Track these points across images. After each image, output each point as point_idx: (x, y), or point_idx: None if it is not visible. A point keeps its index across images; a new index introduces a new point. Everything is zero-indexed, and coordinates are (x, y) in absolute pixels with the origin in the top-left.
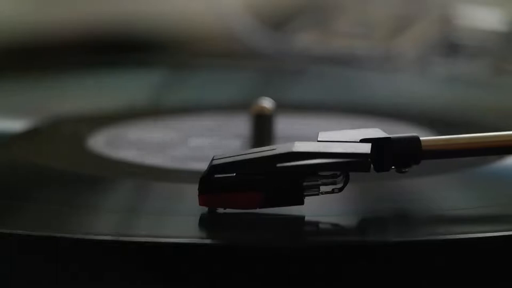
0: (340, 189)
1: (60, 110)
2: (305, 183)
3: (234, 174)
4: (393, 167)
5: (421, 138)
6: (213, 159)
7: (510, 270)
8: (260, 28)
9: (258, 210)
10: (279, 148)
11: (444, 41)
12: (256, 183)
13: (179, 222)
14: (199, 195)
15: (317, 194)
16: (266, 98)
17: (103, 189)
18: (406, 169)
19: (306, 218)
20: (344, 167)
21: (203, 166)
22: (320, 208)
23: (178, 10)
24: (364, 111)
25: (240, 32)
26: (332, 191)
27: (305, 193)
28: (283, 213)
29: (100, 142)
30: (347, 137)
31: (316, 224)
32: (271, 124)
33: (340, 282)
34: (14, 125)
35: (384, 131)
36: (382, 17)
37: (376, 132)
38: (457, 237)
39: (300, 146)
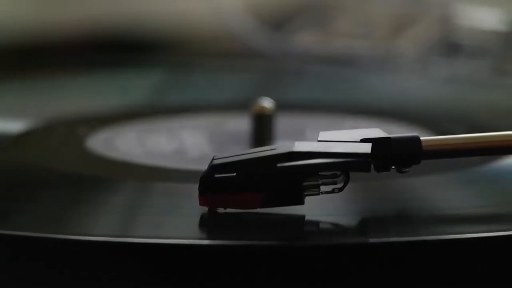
0: (341, 189)
1: (60, 111)
2: (305, 183)
3: (235, 174)
4: (393, 167)
5: (421, 138)
6: (213, 159)
7: (510, 270)
8: (260, 28)
9: (258, 210)
10: (279, 148)
11: (444, 41)
12: (256, 183)
13: (179, 222)
14: (199, 195)
15: (317, 194)
16: (266, 98)
17: (103, 190)
18: (407, 169)
19: (306, 218)
20: (345, 167)
21: (203, 166)
22: (320, 208)
23: (178, 10)
24: (364, 111)
25: (240, 32)
26: (333, 191)
27: (305, 193)
28: (283, 213)
29: (100, 143)
30: (347, 137)
31: (316, 224)
32: (271, 124)
33: (341, 282)
34: (13, 126)
35: (384, 131)
36: (382, 17)
37: (377, 132)
38: (457, 237)
39: (300, 146)
